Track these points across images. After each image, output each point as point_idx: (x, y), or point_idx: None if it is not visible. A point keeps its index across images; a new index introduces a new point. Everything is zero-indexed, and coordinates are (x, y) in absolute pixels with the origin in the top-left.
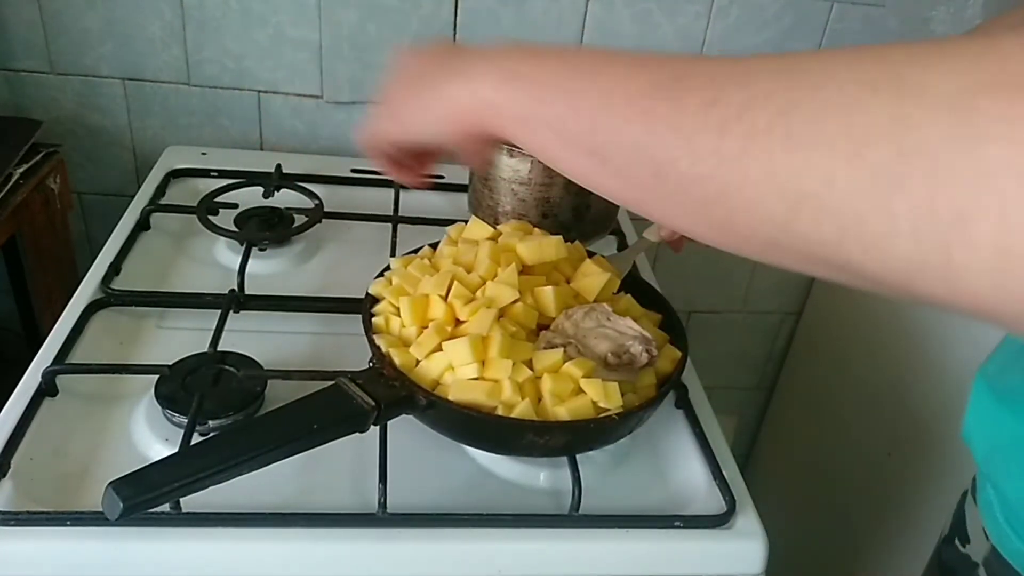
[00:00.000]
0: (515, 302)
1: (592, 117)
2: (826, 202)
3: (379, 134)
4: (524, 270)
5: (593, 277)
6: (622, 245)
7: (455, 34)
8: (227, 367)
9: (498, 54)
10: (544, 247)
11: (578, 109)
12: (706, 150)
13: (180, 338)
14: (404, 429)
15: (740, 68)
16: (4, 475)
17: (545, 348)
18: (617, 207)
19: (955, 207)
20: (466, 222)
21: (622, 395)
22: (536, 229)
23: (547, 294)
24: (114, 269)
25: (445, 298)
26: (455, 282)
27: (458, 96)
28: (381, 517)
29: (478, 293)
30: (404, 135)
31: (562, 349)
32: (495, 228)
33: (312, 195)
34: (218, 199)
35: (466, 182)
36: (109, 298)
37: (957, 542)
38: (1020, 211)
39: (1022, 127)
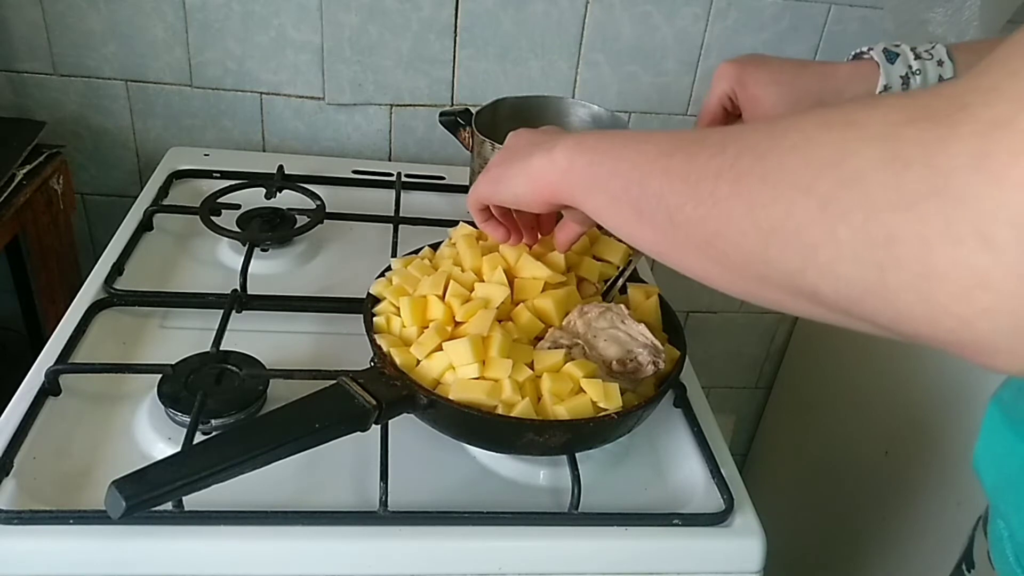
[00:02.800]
0: (518, 304)
1: (629, 174)
2: (788, 232)
3: (478, 194)
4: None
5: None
6: None
7: (455, 35)
8: (229, 367)
9: (580, 133)
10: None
11: (619, 169)
12: (705, 193)
13: (183, 338)
14: (405, 428)
15: (748, 127)
16: (7, 474)
17: (550, 348)
18: None
19: (885, 230)
20: (471, 223)
21: (621, 394)
22: None
23: (548, 304)
24: (117, 269)
25: (442, 298)
26: (451, 282)
27: (540, 166)
28: (382, 515)
29: (473, 294)
30: (496, 197)
31: (564, 350)
32: None
33: (314, 196)
34: (220, 200)
35: (466, 183)
36: (112, 298)
37: (964, 567)
38: (937, 232)
39: (937, 151)
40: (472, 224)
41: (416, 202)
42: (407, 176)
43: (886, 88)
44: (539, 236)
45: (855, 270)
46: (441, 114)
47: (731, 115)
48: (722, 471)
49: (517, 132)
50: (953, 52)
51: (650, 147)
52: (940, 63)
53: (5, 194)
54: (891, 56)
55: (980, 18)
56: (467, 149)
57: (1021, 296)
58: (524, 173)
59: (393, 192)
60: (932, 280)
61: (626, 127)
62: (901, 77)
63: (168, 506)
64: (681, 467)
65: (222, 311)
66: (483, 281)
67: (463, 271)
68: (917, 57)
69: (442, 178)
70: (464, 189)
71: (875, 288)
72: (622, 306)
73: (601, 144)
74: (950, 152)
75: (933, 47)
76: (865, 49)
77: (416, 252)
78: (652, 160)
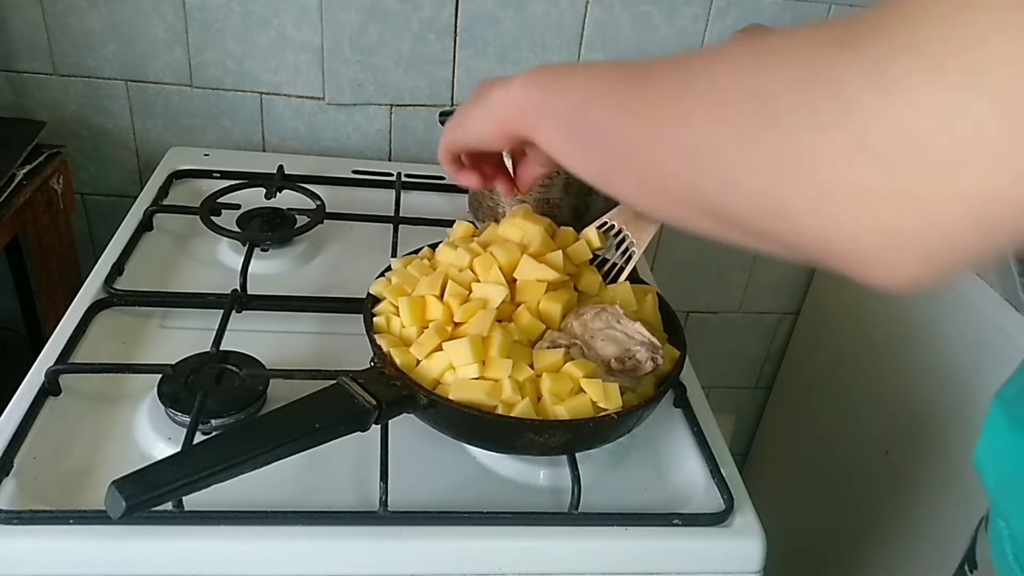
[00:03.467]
0: (519, 306)
1: (575, 105)
2: (706, 153)
3: (446, 142)
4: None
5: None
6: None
7: (455, 35)
8: (229, 367)
9: (538, 67)
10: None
11: (567, 101)
12: (642, 120)
13: (183, 338)
14: (405, 428)
15: (689, 56)
16: (7, 474)
17: (549, 348)
18: (615, 207)
19: (789, 148)
20: (472, 223)
21: (621, 394)
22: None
23: (553, 307)
24: (117, 269)
25: (440, 298)
26: (449, 282)
27: (498, 101)
28: (382, 515)
29: (471, 294)
30: (461, 140)
31: (563, 349)
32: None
33: (314, 196)
34: (220, 200)
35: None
36: (112, 298)
37: (966, 567)
38: (834, 149)
39: (843, 72)
40: (472, 223)
41: (416, 202)
42: (407, 176)
43: None
44: (513, 182)
45: (762, 187)
46: (441, 114)
47: None
48: (722, 471)
49: (483, 80)
50: None
51: (597, 78)
52: None
53: (5, 194)
54: None
55: None
56: None
57: (901, 212)
58: (485, 110)
59: (393, 192)
60: (827, 197)
61: None
62: None
63: (168, 506)
64: (681, 467)
65: (222, 311)
66: (479, 281)
67: (460, 271)
68: None
69: (442, 178)
70: (464, 189)
71: (779, 207)
72: (617, 306)
73: (556, 76)
74: (853, 74)
75: None
76: None
77: (416, 252)
78: (596, 90)
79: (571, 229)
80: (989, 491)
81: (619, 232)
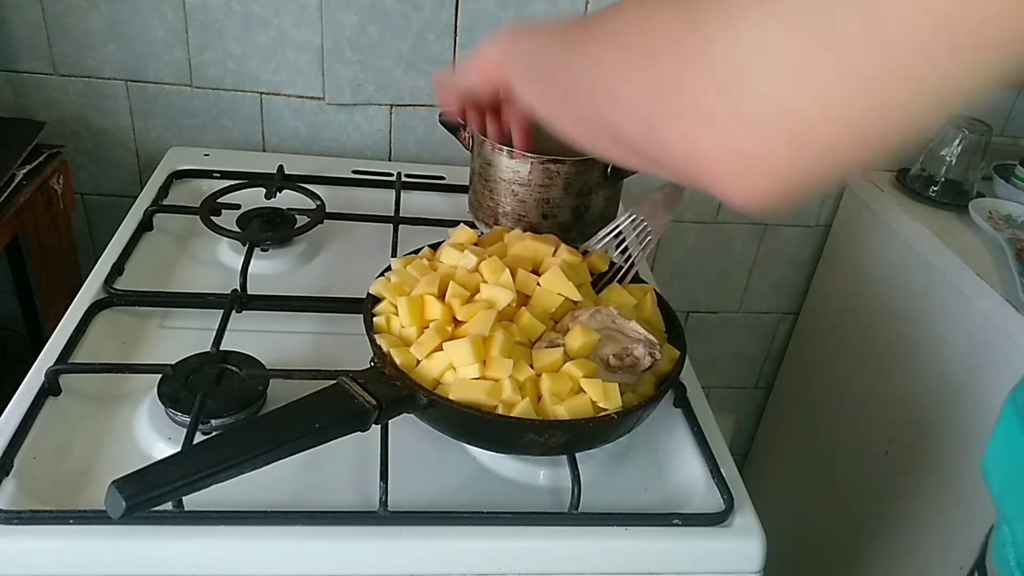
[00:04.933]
0: (520, 307)
1: (535, 51)
2: (607, 83)
3: (444, 81)
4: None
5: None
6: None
7: (455, 36)
8: (229, 367)
9: (515, 24)
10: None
11: (531, 47)
12: (577, 61)
13: (183, 338)
14: (405, 428)
15: (628, 4)
16: (7, 474)
17: (547, 348)
18: (616, 207)
19: (659, 73)
20: (470, 223)
21: (621, 394)
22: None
23: (551, 295)
24: (117, 269)
25: (439, 298)
26: (451, 283)
27: (485, 52)
28: (382, 515)
29: (478, 296)
30: (456, 83)
31: (562, 348)
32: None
33: (314, 196)
34: (220, 200)
35: (466, 183)
36: (112, 298)
37: (976, 574)
38: (691, 73)
39: (707, 2)
40: (471, 225)
41: (416, 202)
42: (407, 176)
43: None
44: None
45: (643, 110)
46: (441, 114)
47: None
48: (722, 471)
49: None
50: None
51: (556, 27)
52: None
53: (5, 194)
54: None
55: None
56: (467, 149)
57: (738, 132)
58: (476, 58)
59: (393, 192)
60: (684, 119)
61: None
62: None
63: (168, 506)
64: (681, 467)
65: (222, 311)
66: (486, 283)
67: (469, 272)
68: None
69: (442, 178)
70: (464, 189)
71: (654, 128)
72: (611, 307)
73: (529, 28)
74: (711, 6)
75: None
76: None
77: (416, 252)
78: (552, 35)
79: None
80: (994, 496)
81: (623, 241)
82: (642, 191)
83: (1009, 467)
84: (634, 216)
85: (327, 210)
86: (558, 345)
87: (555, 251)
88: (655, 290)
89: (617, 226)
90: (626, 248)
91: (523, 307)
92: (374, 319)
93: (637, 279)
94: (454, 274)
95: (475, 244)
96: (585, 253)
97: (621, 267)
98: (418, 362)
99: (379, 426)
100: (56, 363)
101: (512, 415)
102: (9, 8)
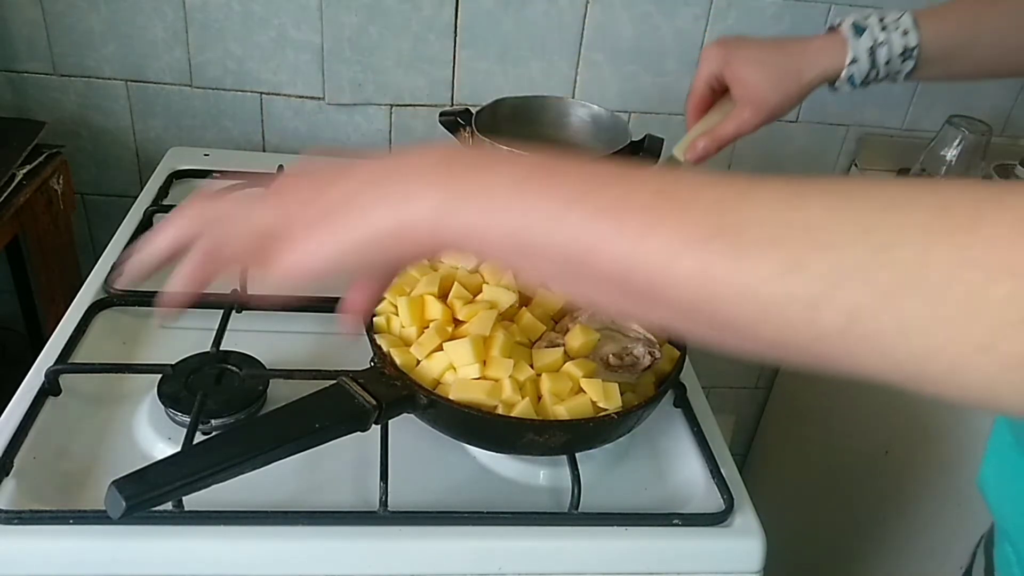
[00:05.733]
0: (521, 308)
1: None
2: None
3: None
4: None
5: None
6: None
7: (455, 35)
8: (229, 367)
9: (429, 170)
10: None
11: (530, 225)
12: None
13: (183, 338)
14: (405, 428)
15: (744, 185)
16: (7, 474)
17: (547, 348)
18: None
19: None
20: None
21: (621, 394)
22: None
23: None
24: (117, 269)
25: (439, 298)
26: (455, 283)
27: (391, 219)
28: (382, 515)
29: (479, 296)
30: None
31: (562, 348)
32: None
33: None
34: None
35: None
36: (112, 298)
37: None
38: (872, 308)
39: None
40: None
41: None
42: None
43: (854, 61)
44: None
45: (948, 349)
46: (441, 114)
47: (717, 93)
48: (722, 471)
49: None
50: (919, 20)
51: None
52: (905, 33)
53: (5, 194)
54: (859, 30)
55: None
56: None
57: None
58: (361, 230)
59: None
60: (860, 340)
61: (626, 128)
62: (867, 50)
63: (168, 506)
64: (681, 467)
65: (222, 311)
66: (488, 284)
67: (470, 272)
68: (883, 28)
69: None
70: None
71: (956, 369)
72: None
73: (487, 190)
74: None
75: (901, 16)
76: (837, 22)
77: None
78: (576, 210)
79: None
80: (994, 514)
81: None
82: None
83: (1009, 488)
84: None
85: None
86: (558, 345)
87: None
88: None
89: None
90: None
91: (523, 307)
92: (374, 319)
93: None
94: (455, 274)
95: None
96: None
97: None
98: (418, 362)
99: (379, 426)
100: (56, 363)
101: (512, 415)
102: (9, 8)
